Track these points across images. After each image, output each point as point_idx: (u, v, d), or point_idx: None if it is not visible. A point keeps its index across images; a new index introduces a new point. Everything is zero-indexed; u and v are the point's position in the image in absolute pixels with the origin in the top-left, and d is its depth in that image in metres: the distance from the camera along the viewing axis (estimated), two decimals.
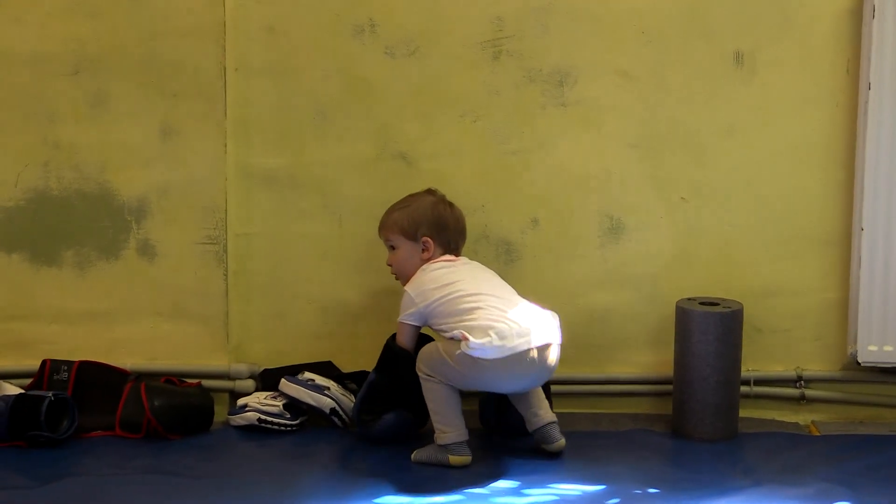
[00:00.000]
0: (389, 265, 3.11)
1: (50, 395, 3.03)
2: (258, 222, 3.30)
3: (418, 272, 3.04)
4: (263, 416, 3.14)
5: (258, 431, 3.14)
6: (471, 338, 2.84)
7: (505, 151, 3.27)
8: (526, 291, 3.22)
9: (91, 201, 3.28)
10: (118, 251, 3.29)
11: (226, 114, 3.24)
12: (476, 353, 2.84)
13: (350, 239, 3.29)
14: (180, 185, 3.26)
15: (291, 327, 3.33)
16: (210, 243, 3.27)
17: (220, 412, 3.24)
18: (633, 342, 3.31)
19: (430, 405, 2.95)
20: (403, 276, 3.07)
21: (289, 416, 3.15)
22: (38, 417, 2.99)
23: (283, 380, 3.18)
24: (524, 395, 3.00)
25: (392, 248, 3.10)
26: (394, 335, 3.05)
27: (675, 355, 3.16)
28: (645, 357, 3.31)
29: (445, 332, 2.94)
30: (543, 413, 3.01)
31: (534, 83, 3.24)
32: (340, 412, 3.16)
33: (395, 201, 3.13)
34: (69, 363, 3.22)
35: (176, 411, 3.12)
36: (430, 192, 3.14)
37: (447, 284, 2.98)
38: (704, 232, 3.28)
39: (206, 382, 3.28)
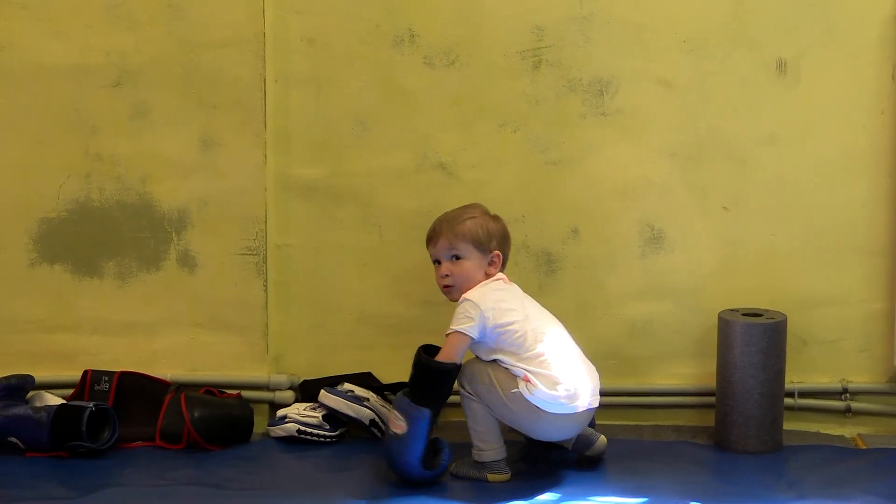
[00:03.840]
0: (445, 276, 2.96)
1: (91, 405, 3.05)
2: (298, 233, 3.30)
3: (479, 285, 2.93)
4: (303, 428, 3.14)
5: (298, 443, 3.14)
6: (539, 385, 2.80)
7: (545, 161, 3.26)
8: (567, 302, 3.23)
9: (132, 212, 3.30)
10: (159, 262, 3.30)
11: (265, 125, 3.24)
12: (537, 402, 2.81)
13: (390, 249, 3.29)
14: (220, 195, 3.26)
15: (331, 338, 3.33)
16: (250, 254, 3.27)
17: (260, 423, 3.24)
18: (675, 353, 3.28)
19: (470, 422, 2.92)
20: (460, 291, 2.93)
21: (328, 427, 3.14)
22: (79, 428, 3.00)
23: (322, 391, 3.17)
24: None
25: (456, 258, 2.95)
26: (420, 352, 2.90)
27: (718, 367, 3.13)
28: (687, 368, 3.27)
29: (504, 362, 2.86)
30: None
31: (574, 92, 3.22)
32: (380, 423, 3.15)
33: (435, 211, 3.11)
34: (110, 374, 3.24)
35: (216, 422, 3.13)
36: (478, 205, 3.05)
37: (512, 310, 2.89)
38: (747, 242, 3.24)
39: (246, 393, 3.28)
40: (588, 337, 3.24)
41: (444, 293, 2.99)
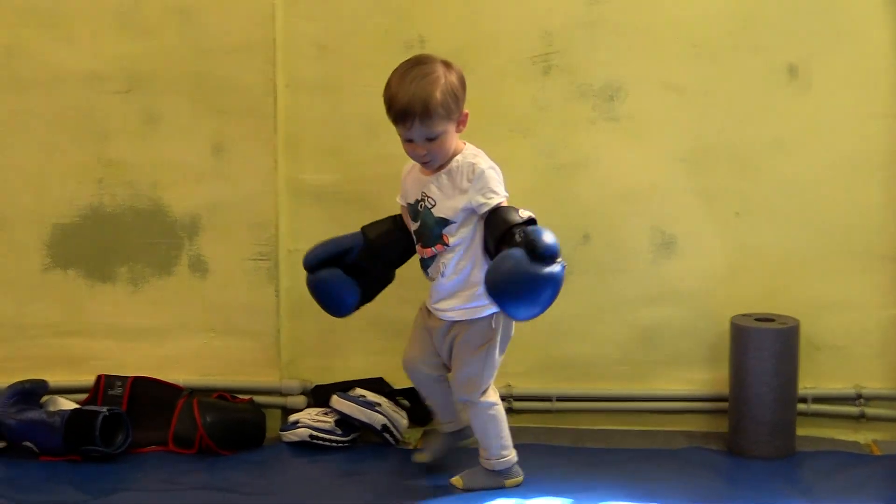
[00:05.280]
0: (423, 153, 2.76)
1: (105, 410, 3.06)
2: (309, 238, 3.26)
3: (471, 149, 2.82)
4: (315, 433, 3.14)
5: (310, 448, 3.14)
6: None
7: (555, 166, 3.25)
8: (578, 307, 3.23)
9: (144, 218, 3.31)
10: (171, 267, 3.31)
11: (276, 130, 3.25)
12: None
13: None
14: (232, 201, 3.27)
15: (342, 343, 3.33)
16: (261, 259, 3.28)
17: (272, 428, 3.24)
18: (686, 359, 3.27)
19: (494, 431, 2.86)
20: (440, 160, 2.78)
21: (340, 432, 3.15)
22: (92, 432, 3.02)
23: (334, 396, 3.17)
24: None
25: (430, 139, 2.74)
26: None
27: (731, 372, 3.12)
28: (699, 374, 3.26)
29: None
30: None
31: (584, 98, 3.22)
32: (392, 429, 3.15)
33: None
34: (123, 379, 3.25)
35: (228, 427, 3.13)
36: (431, 58, 2.79)
37: None
38: (759, 246, 3.23)
39: (258, 398, 3.29)
40: (599, 342, 3.27)
41: (420, 164, 2.83)
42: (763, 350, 3.04)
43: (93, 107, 3.28)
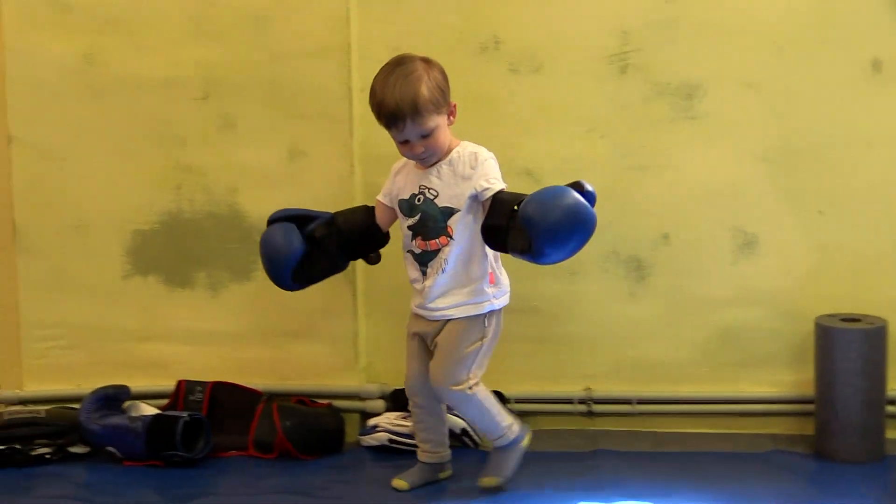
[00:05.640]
0: (420, 150, 2.78)
1: (185, 415, 3.08)
2: None
3: (469, 143, 2.83)
4: (394, 437, 3.13)
5: (389, 452, 3.14)
6: (501, 276, 2.87)
7: (633, 166, 3.22)
8: (658, 308, 3.20)
9: (222, 223, 3.33)
10: (249, 272, 3.32)
11: (352, 134, 3.25)
12: (499, 302, 2.86)
13: None
14: (308, 205, 3.24)
15: None
16: None
17: (351, 432, 3.25)
18: (770, 360, 3.21)
19: (491, 411, 2.84)
20: (437, 154, 2.80)
21: None
22: (174, 437, 3.04)
23: None
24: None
25: (424, 136, 2.76)
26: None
27: (816, 374, 3.06)
28: (783, 375, 3.20)
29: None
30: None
31: (662, 97, 3.18)
32: (471, 432, 3.13)
33: None
34: (203, 384, 3.27)
35: (308, 432, 3.14)
36: (410, 57, 2.81)
37: None
38: (843, 245, 3.17)
39: (337, 403, 3.29)
40: (680, 343, 3.23)
41: (417, 161, 2.84)
42: (849, 351, 2.98)
43: (170, 113, 3.30)
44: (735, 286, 3.21)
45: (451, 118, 2.81)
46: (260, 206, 3.31)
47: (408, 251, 2.85)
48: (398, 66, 2.78)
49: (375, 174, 3.28)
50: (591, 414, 3.25)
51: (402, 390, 3.24)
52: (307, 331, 3.32)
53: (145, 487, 2.96)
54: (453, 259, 2.78)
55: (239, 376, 3.31)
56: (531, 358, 3.26)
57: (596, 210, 3.13)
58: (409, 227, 2.83)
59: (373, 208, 2.92)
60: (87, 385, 3.27)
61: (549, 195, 2.65)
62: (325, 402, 3.29)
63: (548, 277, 3.21)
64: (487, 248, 2.79)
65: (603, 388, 3.27)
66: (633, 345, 3.24)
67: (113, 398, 3.20)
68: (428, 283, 2.81)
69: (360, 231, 2.90)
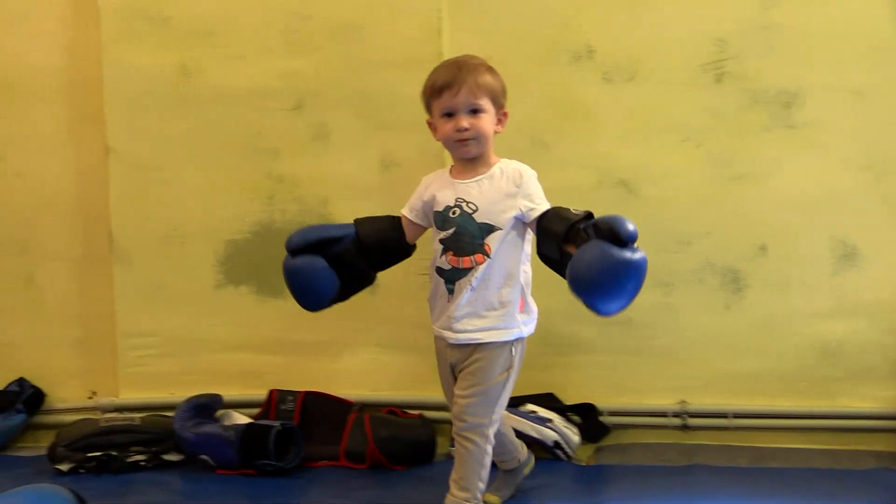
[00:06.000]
0: (465, 129, 2.58)
1: (277, 424, 3.09)
2: None
3: (514, 162, 2.64)
4: None
5: None
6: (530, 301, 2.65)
7: (729, 176, 3.17)
8: (754, 320, 3.14)
9: None
10: None
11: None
12: (528, 329, 2.67)
13: None
14: None
15: None
16: (423, 274, 3.22)
17: (442, 444, 3.23)
18: (871, 374, 3.13)
19: (508, 447, 2.76)
20: (479, 146, 2.61)
21: None
22: (266, 447, 3.05)
23: (504, 412, 3.13)
24: None
25: (474, 111, 2.59)
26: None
27: None
28: (885, 390, 3.13)
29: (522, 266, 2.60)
30: None
31: (758, 105, 3.13)
32: (564, 445, 3.10)
33: None
34: (294, 393, 3.28)
35: (400, 443, 3.13)
36: (475, 55, 2.69)
37: None
38: None
39: (428, 414, 3.28)
40: (777, 357, 3.16)
41: (456, 147, 2.62)
42: None
43: (263, 124, 3.33)
44: (835, 298, 3.14)
45: (500, 125, 2.64)
46: (351, 216, 3.26)
47: (436, 267, 2.64)
48: (466, 54, 2.69)
49: None
50: (685, 427, 3.20)
51: None
52: (398, 341, 3.31)
53: (238, 496, 2.97)
54: (482, 278, 2.56)
55: (330, 386, 3.32)
56: (624, 370, 3.22)
57: (691, 220, 3.12)
58: (441, 241, 2.62)
59: (396, 218, 2.76)
60: (180, 393, 3.30)
61: (585, 266, 2.42)
62: (416, 412, 3.28)
63: (642, 289, 3.14)
64: (522, 273, 2.62)
65: (698, 402, 3.21)
66: (728, 357, 3.19)
67: (206, 407, 3.23)
68: (451, 306, 2.59)
69: (389, 243, 2.73)
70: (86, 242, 3.48)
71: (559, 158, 3.23)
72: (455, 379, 2.64)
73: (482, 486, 2.58)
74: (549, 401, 3.21)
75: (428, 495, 2.93)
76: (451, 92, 2.58)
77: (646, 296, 3.17)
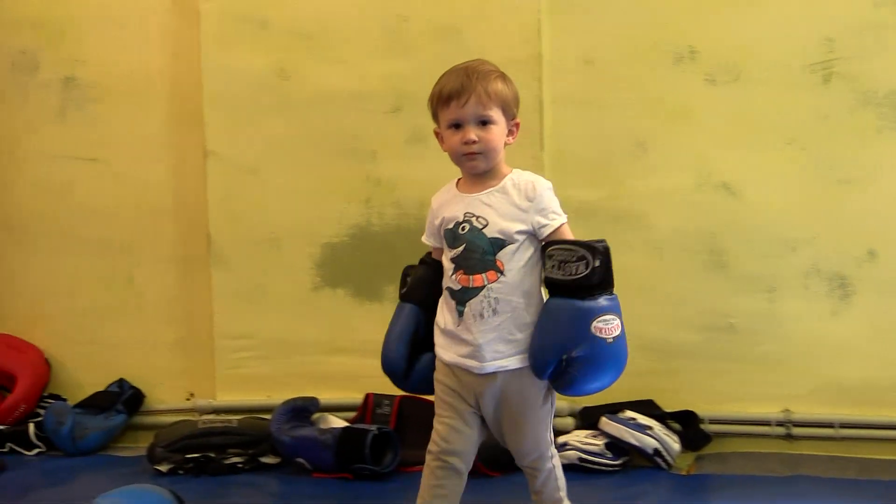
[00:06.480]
0: (473, 141, 2.34)
1: (374, 428, 3.08)
2: None
3: (527, 173, 2.40)
4: (584, 455, 3.06)
5: (579, 471, 3.07)
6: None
7: (837, 179, 3.09)
8: (863, 327, 3.05)
9: (411, 237, 3.28)
10: None
11: (542, 146, 3.21)
12: None
13: (671, 272, 3.18)
14: None
15: None
16: None
17: None
18: None
19: (561, 479, 2.48)
20: (487, 161, 2.37)
21: (610, 455, 3.06)
22: (363, 450, 3.04)
23: (603, 418, 3.09)
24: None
25: (484, 123, 2.36)
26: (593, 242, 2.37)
27: None
28: None
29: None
30: None
31: (869, 106, 3.05)
32: (664, 453, 3.04)
33: (719, 234, 2.98)
34: (391, 397, 3.26)
35: (497, 448, 3.06)
36: (486, 61, 2.47)
37: None
38: None
39: None
40: (886, 365, 3.07)
41: (463, 161, 2.40)
42: None
43: (361, 126, 3.32)
44: None
45: (511, 137, 2.42)
46: None
47: (445, 288, 2.40)
48: (476, 60, 2.46)
49: (567, 187, 3.18)
50: (790, 437, 3.12)
51: (592, 408, 3.19)
52: None
53: (334, 500, 2.96)
54: (506, 299, 2.32)
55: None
56: (726, 377, 3.16)
57: (796, 224, 3.04)
58: (452, 260, 2.38)
59: (428, 258, 2.52)
60: (277, 396, 3.31)
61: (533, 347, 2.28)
62: None
63: (745, 295, 3.11)
64: (541, 290, 2.37)
65: (803, 411, 3.13)
66: (835, 366, 3.10)
67: (302, 410, 3.23)
68: (469, 333, 2.34)
69: (440, 284, 2.44)
70: (184, 244, 3.51)
71: (658, 161, 3.18)
72: (475, 406, 2.44)
73: (562, 494, 2.47)
74: (648, 407, 3.15)
75: (526, 501, 2.89)
76: (459, 101, 2.38)
77: (749, 302, 3.14)
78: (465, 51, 3.22)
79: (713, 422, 3.15)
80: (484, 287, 2.33)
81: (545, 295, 2.34)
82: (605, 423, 3.08)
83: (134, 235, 3.54)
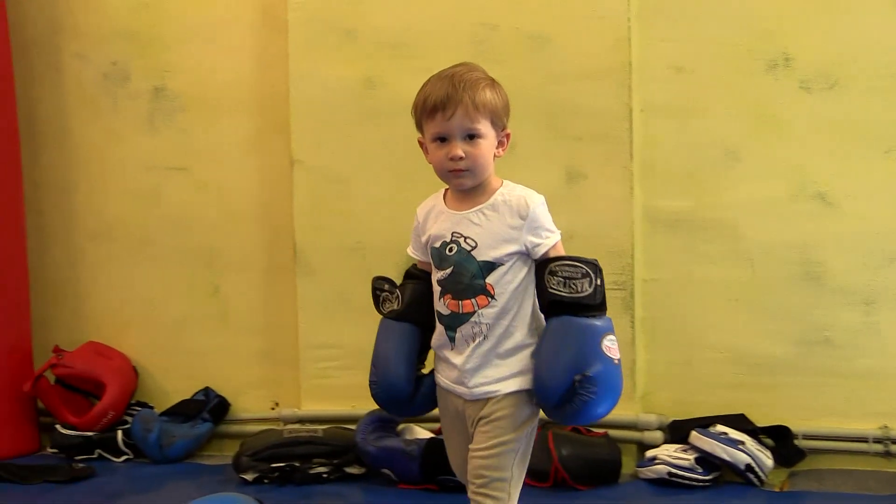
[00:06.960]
0: (460, 158, 2.19)
1: None
2: (665, 267, 3.19)
3: (518, 185, 2.25)
4: (674, 470, 3.01)
5: (668, 485, 3.01)
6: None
7: None
8: None
9: None
10: None
11: (632, 156, 3.16)
12: None
13: (763, 284, 3.12)
14: (586, 229, 3.18)
15: (700, 377, 3.19)
16: (617, 289, 3.18)
17: (627, 463, 3.13)
18: None
19: None
20: (475, 178, 2.22)
21: (701, 470, 3.00)
22: (448, 462, 2.99)
23: (693, 432, 3.03)
24: None
25: (471, 137, 2.20)
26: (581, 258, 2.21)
27: None
28: None
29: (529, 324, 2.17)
30: None
31: None
32: (756, 469, 2.97)
33: (812, 244, 2.92)
34: None
35: (584, 461, 3.05)
36: (475, 65, 2.30)
37: None
38: None
39: (613, 433, 3.18)
40: None
41: (449, 177, 2.25)
42: None
43: None
44: None
45: (501, 149, 2.27)
46: None
47: (435, 311, 2.25)
48: (463, 64, 2.29)
49: (656, 197, 3.18)
50: (888, 454, 3.02)
51: (682, 421, 3.13)
52: None
53: None
54: (493, 326, 2.16)
55: None
56: (822, 392, 3.08)
57: None
58: (439, 282, 2.23)
59: (415, 270, 2.37)
60: (361, 406, 3.28)
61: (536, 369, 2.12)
62: (600, 431, 3.19)
63: (841, 307, 3.03)
64: (538, 310, 2.20)
65: None
66: None
67: (388, 420, 3.21)
68: (458, 357, 2.18)
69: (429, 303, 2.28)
70: (270, 253, 3.52)
71: (752, 170, 3.12)
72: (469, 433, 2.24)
73: None
74: (740, 422, 3.08)
75: None
76: (445, 114, 2.21)
77: (845, 315, 3.05)
78: (553, 59, 3.22)
79: (807, 437, 3.07)
80: (474, 313, 2.18)
81: (540, 315, 2.19)
82: (696, 437, 3.02)
83: (220, 244, 3.56)
